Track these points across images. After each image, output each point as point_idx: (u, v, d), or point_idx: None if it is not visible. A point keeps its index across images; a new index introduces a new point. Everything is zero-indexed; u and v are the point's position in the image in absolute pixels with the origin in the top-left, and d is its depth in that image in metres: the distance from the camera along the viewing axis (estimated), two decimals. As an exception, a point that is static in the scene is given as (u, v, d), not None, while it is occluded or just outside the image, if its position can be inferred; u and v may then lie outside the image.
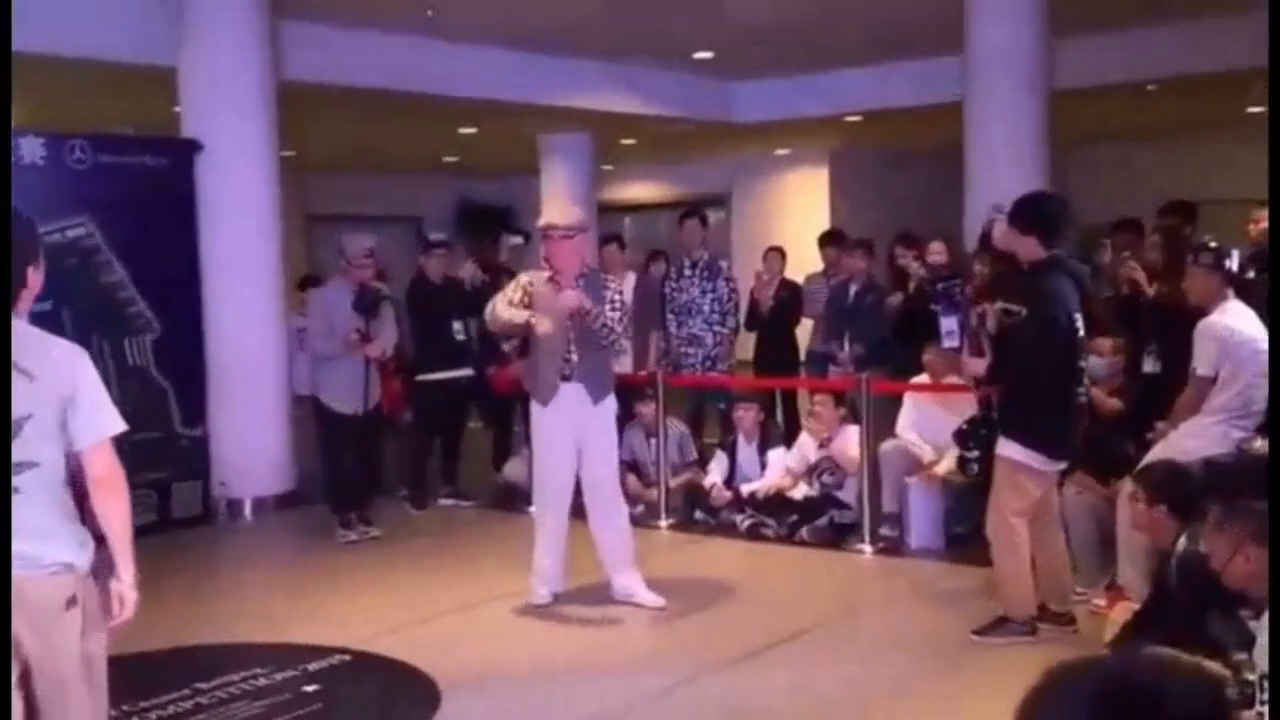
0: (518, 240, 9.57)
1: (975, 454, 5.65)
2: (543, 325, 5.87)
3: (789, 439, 8.42)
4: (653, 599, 6.17)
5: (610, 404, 6.29)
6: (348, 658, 5.46)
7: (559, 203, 12.40)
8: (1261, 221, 7.70)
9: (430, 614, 6.17)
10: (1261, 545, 3.39)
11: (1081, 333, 5.28)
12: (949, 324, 6.29)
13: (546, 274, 6.12)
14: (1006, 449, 5.33)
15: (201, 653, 5.64)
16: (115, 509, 3.18)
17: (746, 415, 8.11)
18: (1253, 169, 15.02)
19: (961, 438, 5.78)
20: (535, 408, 6.23)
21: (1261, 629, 3.33)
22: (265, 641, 5.78)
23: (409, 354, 8.76)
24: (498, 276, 9.25)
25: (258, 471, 8.54)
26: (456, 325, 8.67)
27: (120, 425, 3.18)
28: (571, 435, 6.12)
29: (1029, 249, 5.37)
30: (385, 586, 6.73)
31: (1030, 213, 5.46)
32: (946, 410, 7.48)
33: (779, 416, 9.21)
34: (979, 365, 5.57)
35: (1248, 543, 3.42)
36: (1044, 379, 5.25)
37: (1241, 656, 3.64)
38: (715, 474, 8.10)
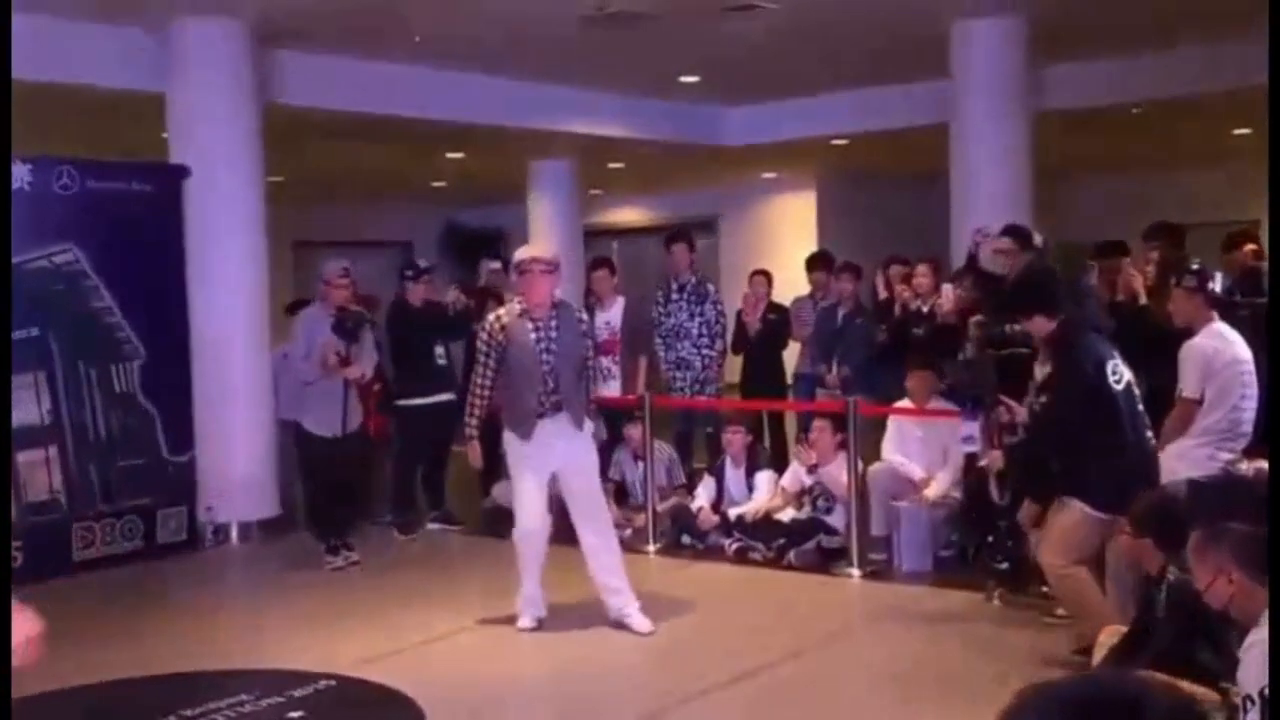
0: (495, 265, 9.58)
1: (1005, 565, 5.68)
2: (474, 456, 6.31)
3: (777, 462, 8.44)
4: (643, 624, 6.15)
5: (589, 427, 6.32)
6: (333, 684, 5.44)
7: (538, 237, 12.47)
8: (1246, 245, 7.74)
9: (417, 640, 6.14)
10: (1244, 567, 3.39)
11: (1124, 380, 5.18)
12: (969, 429, 6.42)
13: (519, 308, 6.14)
14: (1070, 509, 5.23)
15: (186, 679, 5.61)
16: None
17: (735, 438, 8.12)
18: (1238, 192, 15.15)
19: (991, 552, 5.82)
20: (510, 438, 6.19)
21: (1245, 651, 3.32)
22: (250, 668, 5.75)
23: (389, 377, 8.76)
24: (483, 301, 9.26)
25: (244, 496, 8.49)
26: (438, 349, 8.67)
27: None
28: (549, 463, 6.15)
29: (1039, 327, 5.42)
30: (372, 612, 6.70)
31: (1021, 297, 5.55)
32: (928, 433, 7.53)
33: (766, 440, 9.21)
34: (998, 458, 5.66)
35: (1230, 565, 3.42)
36: (1085, 439, 5.18)
37: (1228, 685, 3.64)
38: (702, 498, 8.10)
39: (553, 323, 6.12)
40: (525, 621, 6.21)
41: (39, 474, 7.61)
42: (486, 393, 6.18)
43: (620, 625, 6.15)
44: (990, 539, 5.88)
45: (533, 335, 6.08)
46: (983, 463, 6.08)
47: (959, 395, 6.95)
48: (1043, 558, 5.34)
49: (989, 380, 6.51)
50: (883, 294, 9.15)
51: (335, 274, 7.73)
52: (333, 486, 7.81)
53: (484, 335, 6.16)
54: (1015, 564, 5.59)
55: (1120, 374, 5.20)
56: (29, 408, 7.53)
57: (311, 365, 7.57)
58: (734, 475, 8.11)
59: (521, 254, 6.28)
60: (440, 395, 8.66)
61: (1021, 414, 5.60)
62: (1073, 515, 5.20)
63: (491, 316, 6.26)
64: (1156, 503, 4.88)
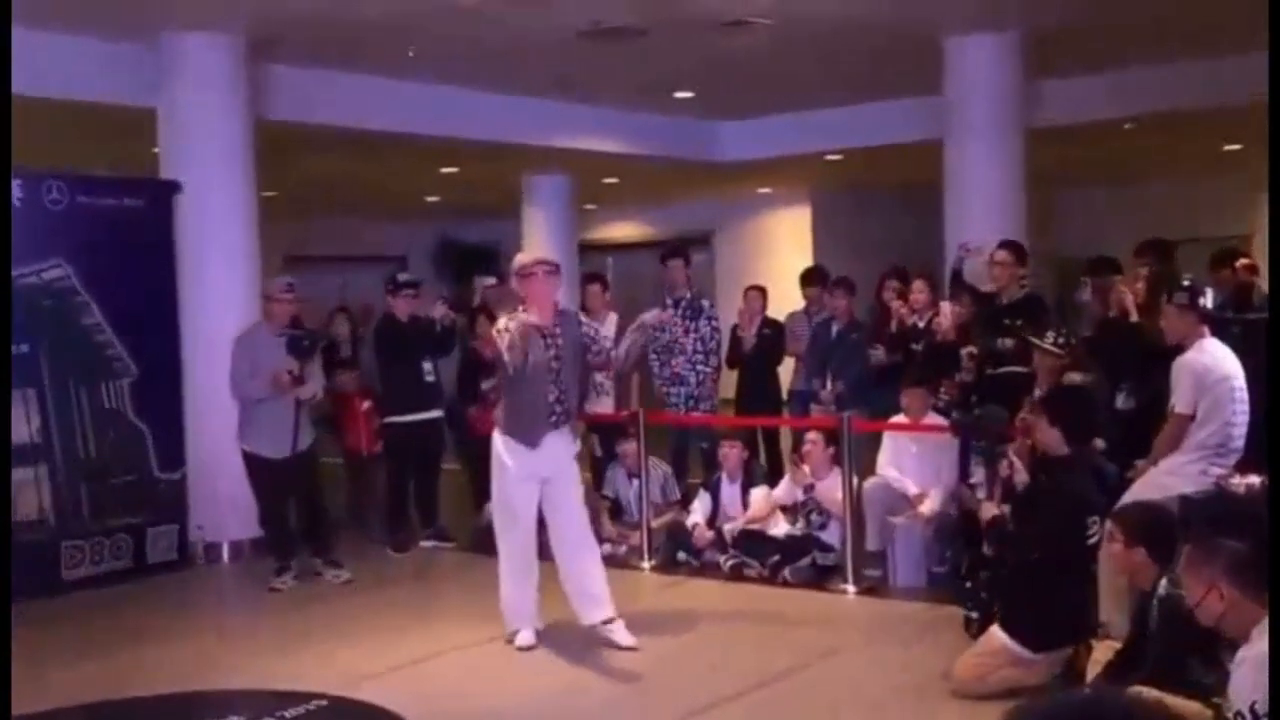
0: (490, 282, 9.55)
1: (976, 615, 5.66)
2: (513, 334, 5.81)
3: (772, 478, 8.40)
4: (627, 638, 6.12)
5: (574, 444, 6.30)
6: (325, 703, 5.39)
7: (535, 244, 12.47)
8: (1236, 262, 7.73)
9: (411, 658, 6.10)
10: (1234, 582, 3.38)
11: (1096, 539, 5.20)
12: (978, 475, 6.43)
13: (524, 315, 6.05)
14: (995, 632, 5.24)
15: (176, 700, 5.58)
16: None
17: (731, 453, 8.07)
18: (1229, 207, 15.19)
19: (963, 595, 5.82)
20: (504, 446, 6.12)
21: (1237, 666, 3.31)
22: (242, 688, 5.72)
23: (377, 392, 8.72)
24: (475, 318, 9.23)
25: (236, 515, 8.41)
26: (426, 366, 8.61)
27: None
28: (541, 470, 6.10)
29: (1051, 439, 5.42)
30: (365, 630, 6.66)
31: (1060, 405, 5.54)
32: (923, 448, 7.50)
33: (762, 455, 9.18)
34: (991, 510, 5.69)
35: (1222, 580, 3.41)
36: (1041, 578, 5.21)
37: (1219, 700, 3.62)
38: (697, 514, 8.06)
39: (557, 329, 6.07)
40: (526, 637, 6.16)
41: (28, 492, 7.56)
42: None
43: (606, 641, 6.12)
44: (969, 584, 5.88)
45: (540, 343, 5.99)
46: (982, 515, 6.07)
47: (965, 432, 6.95)
48: (956, 674, 5.30)
49: (998, 429, 6.50)
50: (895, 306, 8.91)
51: (279, 289, 7.58)
52: (296, 506, 7.66)
53: (500, 326, 5.95)
54: (984, 618, 5.59)
55: (1095, 533, 5.20)
56: (18, 426, 7.47)
57: (262, 384, 7.39)
58: (730, 490, 8.07)
59: (525, 258, 6.22)
60: (429, 412, 8.62)
61: (1022, 475, 5.63)
62: (998, 643, 5.20)
63: (505, 318, 6.07)
64: (1149, 513, 4.87)
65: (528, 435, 6.04)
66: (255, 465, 7.59)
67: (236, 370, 7.53)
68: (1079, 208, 16.01)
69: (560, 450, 6.14)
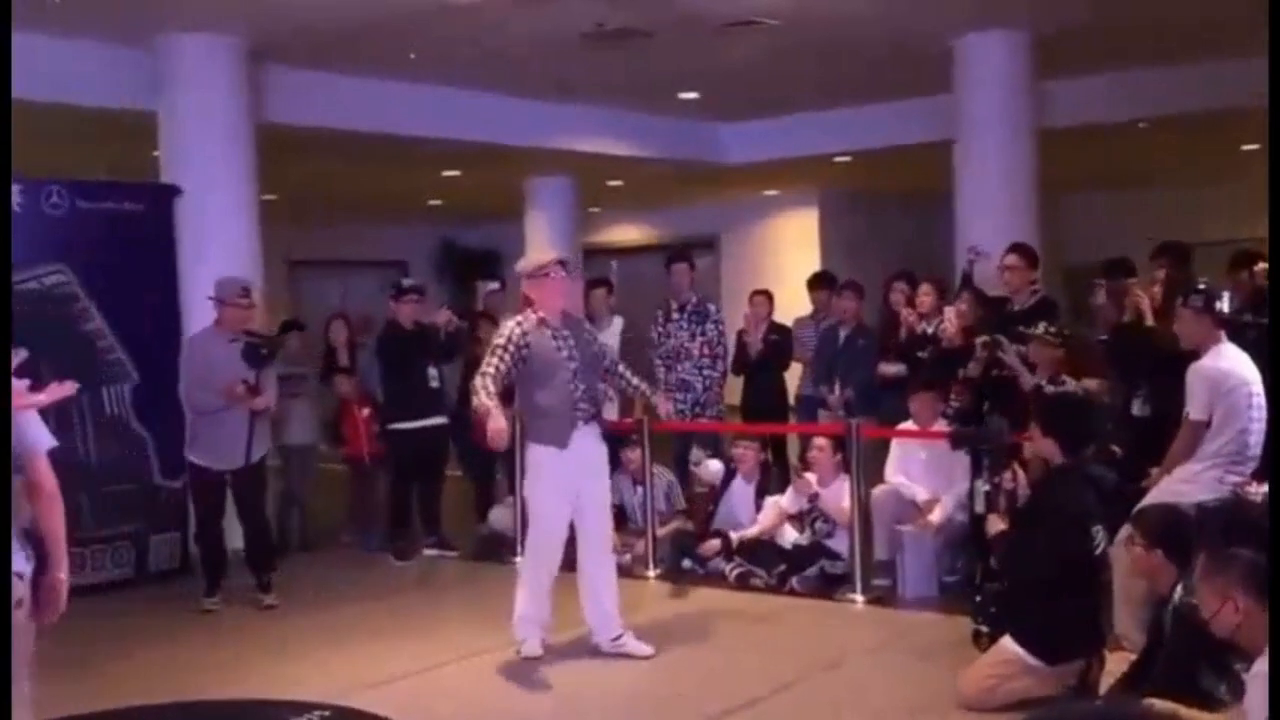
0: (493, 286, 9.46)
1: (986, 630, 5.60)
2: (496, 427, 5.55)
3: (779, 485, 8.32)
4: (641, 648, 6.07)
5: (605, 448, 6.21)
6: (327, 713, 5.33)
7: (538, 247, 12.38)
8: (1255, 265, 7.62)
9: (414, 668, 6.04)
10: (1250, 593, 3.30)
11: (1101, 547, 5.11)
12: (979, 487, 6.36)
13: (535, 318, 5.97)
14: (1008, 644, 5.15)
15: (179, 709, 5.52)
16: (53, 514, 3.76)
17: (747, 454, 7.99)
18: (1248, 209, 15.06)
19: (974, 609, 5.77)
20: (540, 453, 6.02)
21: (1251, 679, 3.23)
22: (242, 698, 5.66)
23: (375, 399, 8.64)
24: (476, 323, 9.16)
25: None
26: (431, 372, 8.54)
27: (49, 440, 3.75)
28: (577, 476, 6.01)
29: (1046, 448, 5.31)
30: (367, 639, 6.60)
31: (1053, 415, 5.41)
32: (931, 455, 7.41)
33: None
34: (997, 524, 5.62)
35: (1236, 591, 3.33)
36: (1048, 589, 5.12)
37: (1232, 714, 3.56)
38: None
39: (566, 332, 6.01)
40: (533, 646, 6.07)
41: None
42: (492, 383, 5.71)
43: (618, 653, 6.06)
44: (978, 598, 5.81)
45: (553, 344, 5.93)
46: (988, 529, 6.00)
47: (965, 444, 6.87)
48: (963, 688, 5.22)
49: (1001, 441, 6.41)
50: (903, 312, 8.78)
51: (235, 294, 7.31)
52: (245, 521, 7.44)
53: (502, 338, 5.88)
54: (994, 632, 5.51)
55: (1099, 542, 5.10)
56: (17, 432, 7.41)
57: (216, 395, 7.15)
58: (743, 492, 7.98)
59: (535, 259, 6.15)
60: (433, 419, 8.54)
61: (1023, 487, 5.53)
62: (1010, 653, 5.11)
63: (512, 322, 5.99)
64: (1169, 515, 4.79)
65: (556, 437, 5.94)
66: (201, 477, 7.32)
67: (187, 378, 7.33)
68: (1087, 211, 15.90)
69: (592, 452, 6.06)
